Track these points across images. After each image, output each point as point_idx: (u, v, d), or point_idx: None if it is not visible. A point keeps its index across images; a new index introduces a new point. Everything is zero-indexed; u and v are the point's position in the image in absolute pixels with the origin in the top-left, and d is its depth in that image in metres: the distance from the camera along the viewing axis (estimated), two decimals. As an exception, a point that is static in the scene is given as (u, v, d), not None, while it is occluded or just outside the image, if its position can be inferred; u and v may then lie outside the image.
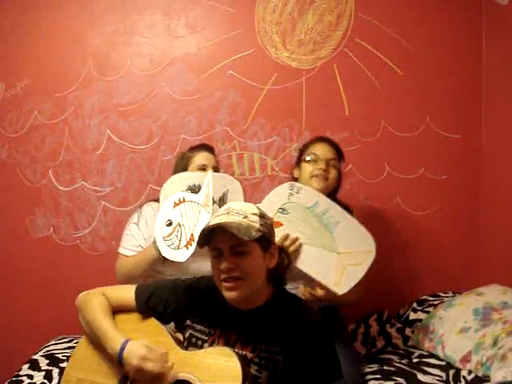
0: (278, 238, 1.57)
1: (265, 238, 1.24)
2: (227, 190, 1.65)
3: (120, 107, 2.32)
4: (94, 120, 2.32)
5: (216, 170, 1.90)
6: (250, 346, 1.25)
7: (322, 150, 1.82)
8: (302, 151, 1.88)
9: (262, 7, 2.30)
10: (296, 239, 1.58)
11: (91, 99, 2.32)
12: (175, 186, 1.75)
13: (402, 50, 2.31)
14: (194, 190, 1.74)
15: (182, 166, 1.90)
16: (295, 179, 1.85)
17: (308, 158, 1.81)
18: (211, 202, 1.19)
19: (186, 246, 1.21)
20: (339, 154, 1.86)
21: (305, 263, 1.59)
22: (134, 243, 1.83)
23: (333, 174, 1.80)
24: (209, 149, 1.94)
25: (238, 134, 2.33)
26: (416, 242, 2.34)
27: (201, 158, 1.88)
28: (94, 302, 1.34)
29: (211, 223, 1.22)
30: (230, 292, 1.21)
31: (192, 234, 1.20)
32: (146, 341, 1.25)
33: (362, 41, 2.30)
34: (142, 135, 2.32)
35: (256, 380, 1.23)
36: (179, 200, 1.25)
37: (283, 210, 1.63)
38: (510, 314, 1.68)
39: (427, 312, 2.07)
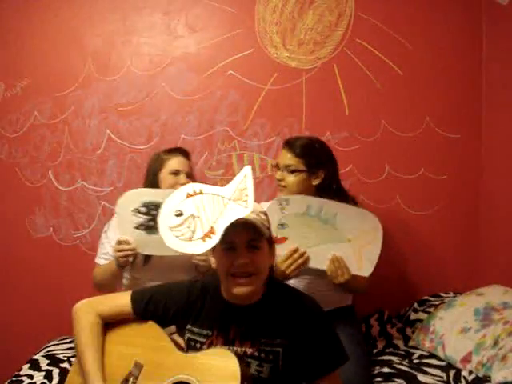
0: (286, 251, 1.60)
1: (270, 236, 1.29)
2: None
3: (120, 107, 2.32)
4: (93, 120, 2.32)
5: (189, 175, 1.88)
6: (248, 341, 1.25)
7: (281, 158, 1.80)
8: None
9: (262, 7, 2.30)
10: (304, 253, 1.60)
11: (91, 99, 2.31)
12: (129, 201, 1.72)
13: (402, 50, 2.30)
14: (149, 206, 1.71)
15: (155, 167, 1.88)
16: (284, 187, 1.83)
17: (273, 164, 1.85)
18: (251, 197, 1.15)
19: (202, 238, 1.16)
20: (302, 157, 1.75)
21: (321, 262, 1.62)
22: (103, 251, 1.87)
23: (290, 180, 1.75)
24: (184, 153, 1.91)
25: (238, 134, 2.33)
26: (416, 242, 2.34)
27: (175, 162, 1.86)
28: (83, 325, 1.30)
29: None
30: (242, 287, 1.22)
31: (212, 227, 1.16)
32: None
33: (362, 41, 2.30)
34: (142, 135, 2.32)
35: (258, 374, 1.23)
36: (194, 191, 1.18)
37: (282, 225, 1.64)
38: (511, 315, 1.68)
39: (428, 312, 2.07)
